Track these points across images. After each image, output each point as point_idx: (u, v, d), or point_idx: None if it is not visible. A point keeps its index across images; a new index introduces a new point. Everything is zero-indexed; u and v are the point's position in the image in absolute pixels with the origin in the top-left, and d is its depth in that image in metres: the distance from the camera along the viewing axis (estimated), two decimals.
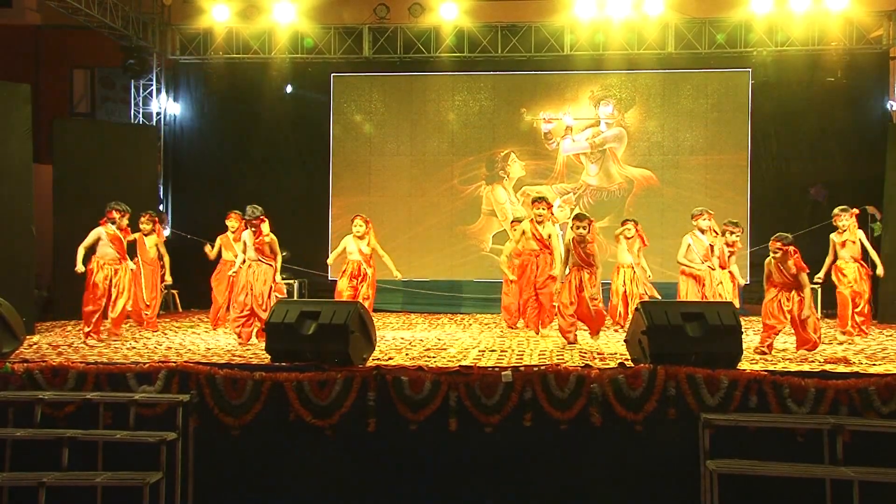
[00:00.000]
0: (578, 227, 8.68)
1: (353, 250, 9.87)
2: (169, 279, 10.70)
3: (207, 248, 10.70)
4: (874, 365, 6.79)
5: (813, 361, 7.04)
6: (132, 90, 13.93)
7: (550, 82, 14.00)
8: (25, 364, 6.52)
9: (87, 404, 6.24)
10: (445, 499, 6.17)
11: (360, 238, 9.88)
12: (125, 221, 9.38)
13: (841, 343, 8.75)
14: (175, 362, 6.52)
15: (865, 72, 13.20)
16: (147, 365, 6.47)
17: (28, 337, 8.41)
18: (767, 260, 7.85)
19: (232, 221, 10.44)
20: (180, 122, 14.43)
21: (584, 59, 13.51)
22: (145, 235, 10.26)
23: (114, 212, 9.18)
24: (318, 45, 13.69)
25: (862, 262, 9.13)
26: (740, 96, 13.59)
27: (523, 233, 9.34)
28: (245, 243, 8.79)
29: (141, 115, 13.91)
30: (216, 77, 14.13)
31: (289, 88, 14.15)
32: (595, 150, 13.91)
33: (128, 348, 8.16)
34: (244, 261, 8.76)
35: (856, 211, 9.24)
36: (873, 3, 12.77)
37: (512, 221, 11.54)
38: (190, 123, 14.43)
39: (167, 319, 11.60)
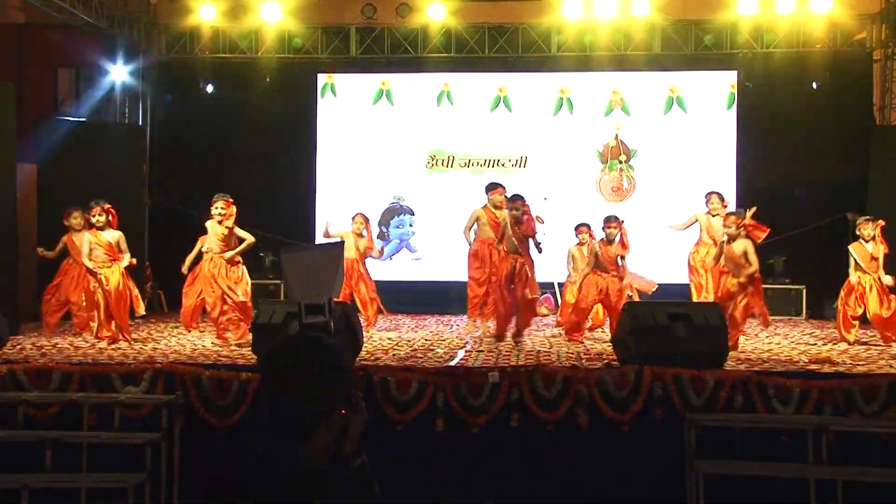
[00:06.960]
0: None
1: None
2: None
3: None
4: (858, 365, 6.84)
5: (798, 362, 7.08)
6: (117, 89, 13.82)
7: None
8: (9, 365, 6.46)
9: (72, 405, 6.18)
10: (431, 500, 6.16)
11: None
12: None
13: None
14: (161, 363, 6.49)
15: (850, 74, 13.27)
16: (132, 365, 6.43)
17: (12, 338, 8.35)
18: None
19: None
20: (166, 122, 14.33)
21: (571, 60, 13.53)
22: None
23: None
24: (305, 44, 13.64)
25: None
26: (727, 97, 13.64)
27: (478, 219, 9.64)
28: None
29: (126, 115, 13.81)
30: (203, 76, 14.05)
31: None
32: None
33: (113, 349, 8.11)
34: None
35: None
36: (857, 6, 12.84)
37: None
38: (176, 123, 14.33)
39: (153, 320, 11.52)
